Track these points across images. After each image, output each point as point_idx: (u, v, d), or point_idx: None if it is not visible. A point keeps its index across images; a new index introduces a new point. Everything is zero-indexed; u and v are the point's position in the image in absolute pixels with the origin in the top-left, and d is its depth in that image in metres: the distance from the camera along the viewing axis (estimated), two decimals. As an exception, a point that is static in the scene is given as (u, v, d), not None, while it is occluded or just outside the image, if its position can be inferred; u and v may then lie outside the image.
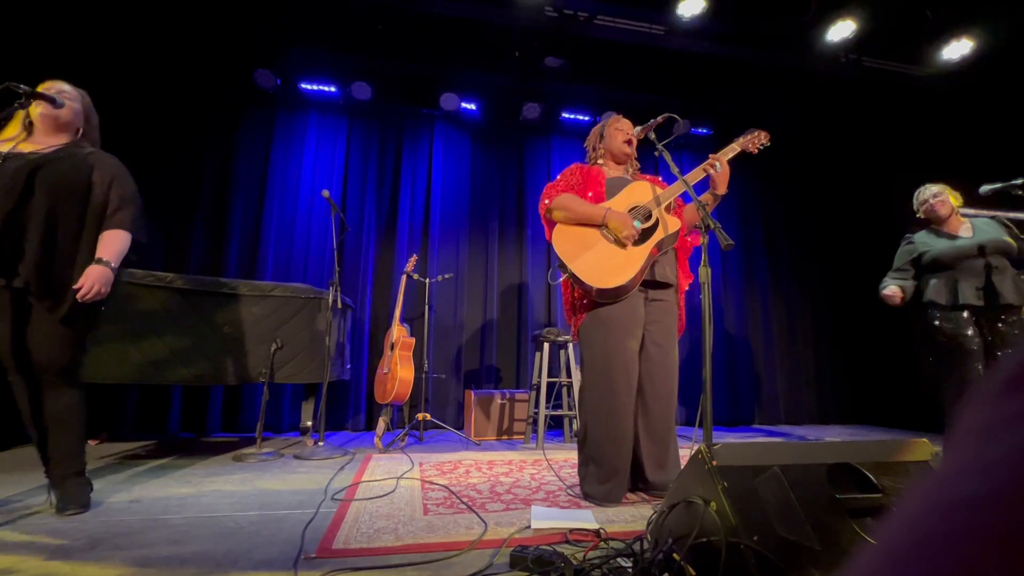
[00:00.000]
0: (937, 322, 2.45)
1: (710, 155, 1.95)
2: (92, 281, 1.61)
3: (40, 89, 1.71)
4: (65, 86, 1.78)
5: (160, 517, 1.64)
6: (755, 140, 2.01)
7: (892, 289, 2.56)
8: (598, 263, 1.90)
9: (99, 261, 1.65)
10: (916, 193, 2.69)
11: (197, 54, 3.77)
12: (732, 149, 1.99)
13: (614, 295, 1.90)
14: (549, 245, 4.39)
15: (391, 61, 3.96)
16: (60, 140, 1.74)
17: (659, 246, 1.94)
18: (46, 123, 1.71)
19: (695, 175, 1.94)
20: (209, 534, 1.48)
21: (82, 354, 1.75)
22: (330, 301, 2.83)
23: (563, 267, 1.94)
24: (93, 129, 1.86)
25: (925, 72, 4.02)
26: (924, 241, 2.58)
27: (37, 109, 1.69)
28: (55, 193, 1.63)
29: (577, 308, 2.03)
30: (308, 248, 4.01)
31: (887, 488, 1.14)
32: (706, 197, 1.97)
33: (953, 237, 2.51)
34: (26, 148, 1.67)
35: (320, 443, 2.79)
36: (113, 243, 1.70)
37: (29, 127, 1.72)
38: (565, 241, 1.97)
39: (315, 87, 4.11)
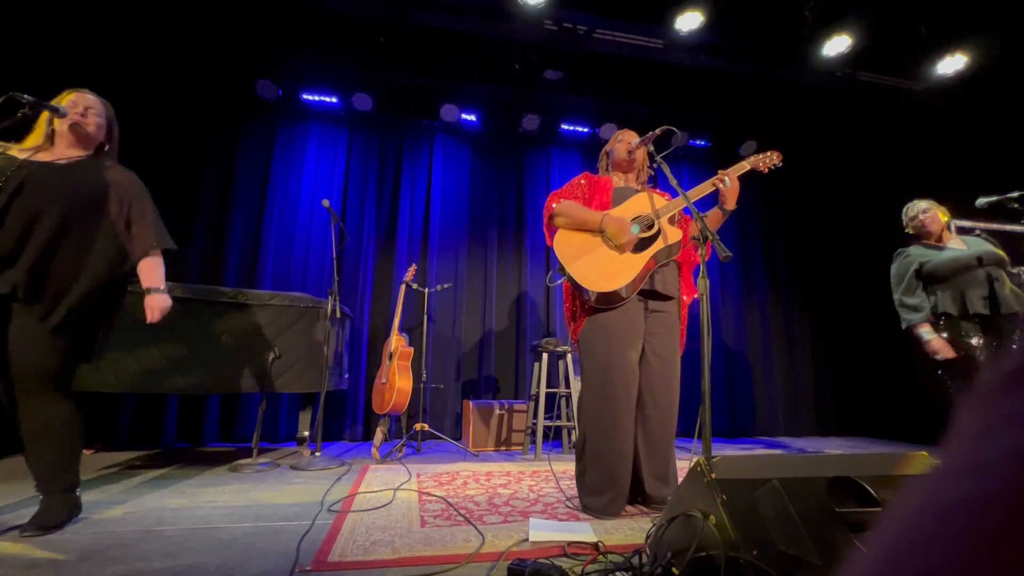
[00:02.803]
0: (946, 333, 2.42)
1: (719, 171, 1.95)
2: (153, 310, 1.77)
3: (66, 99, 1.70)
4: (90, 98, 1.75)
5: (154, 529, 1.62)
6: (766, 160, 2.01)
7: (938, 342, 2.39)
8: (595, 267, 1.92)
9: (149, 291, 1.77)
10: (905, 209, 2.70)
11: (199, 64, 3.81)
12: (741, 167, 1.98)
13: (609, 300, 1.91)
14: (549, 253, 4.46)
15: (392, 72, 4.00)
16: (81, 152, 1.73)
17: (656, 257, 1.94)
18: (72, 135, 1.70)
19: (703, 188, 1.95)
20: (204, 546, 1.46)
21: (73, 365, 1.68)
22: (329, 310, 2.83)
23: (562, 270, 1.98)
24: (115, 142, 1.86)
25: (920, 87, 4.07)
26: (921, 253, 2.57)
27: (64, 122, 1.68)
28: (70, 204, 1.62)
29: (577, 314, 2.04)
30: (307, 257, 4.01)
31: (887, 501, 1.13)
32: (715, 212, 1.99)
33: (945, 250, 2.52)
34: (46, 158, 1.66)
35: (317, 453, 2.77)
36: (153, 270, 1.80)
37: (51, 136, 1.71)
38: (566, 245, 1.99)
39: (316, 98, 4.14)
